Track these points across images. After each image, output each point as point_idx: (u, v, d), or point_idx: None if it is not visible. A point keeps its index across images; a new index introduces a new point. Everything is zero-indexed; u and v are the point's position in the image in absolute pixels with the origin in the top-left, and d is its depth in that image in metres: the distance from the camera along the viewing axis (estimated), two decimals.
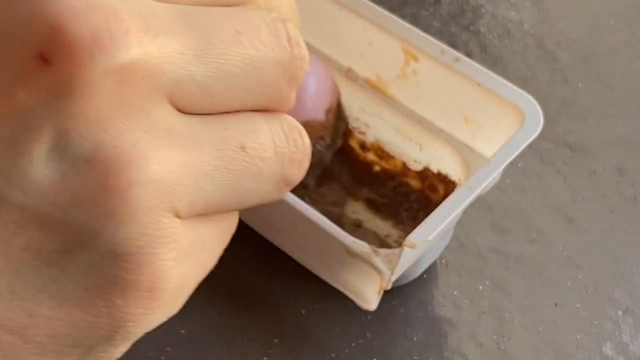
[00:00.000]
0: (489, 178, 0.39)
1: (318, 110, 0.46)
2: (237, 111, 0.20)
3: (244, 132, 0.19)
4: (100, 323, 0.19)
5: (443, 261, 0.47)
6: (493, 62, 0.57)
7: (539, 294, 0.46)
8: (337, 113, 0.47)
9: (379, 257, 0.37)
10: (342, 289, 0.42)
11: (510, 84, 0.43)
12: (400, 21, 0.46)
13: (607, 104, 0.55)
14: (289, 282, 0.46)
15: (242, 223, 0.48)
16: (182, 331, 0.44)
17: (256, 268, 0.47)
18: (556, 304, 0.46)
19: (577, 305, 0.46)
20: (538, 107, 0.41)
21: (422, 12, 0.59)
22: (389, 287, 0.38)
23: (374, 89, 0.48)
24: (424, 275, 0.47)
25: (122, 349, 0.20)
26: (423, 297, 0.46)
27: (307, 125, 0.45)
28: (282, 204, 0.40)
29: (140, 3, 0.18)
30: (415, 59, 0.45)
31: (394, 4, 0.60)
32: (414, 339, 0.45)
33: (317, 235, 0.39)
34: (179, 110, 0.19)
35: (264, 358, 0.44)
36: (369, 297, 0.40)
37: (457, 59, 0.44)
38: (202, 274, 0.20)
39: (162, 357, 0.43)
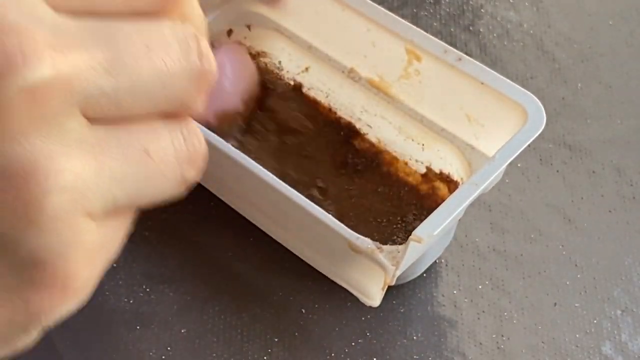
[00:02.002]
0: (494, 174, 0.39)
1: (236, 101, 0.48)
2: (143, 117, 0.21)
3: (146, 138, 0.21)
4: (17, 317, 0.20)
5: (443, 261, 0.47)
6: (492, 62, 0.57)
7: (538, 293, 0.47)
8: (255, 96, 0.50)
9: (383, 253, 0.38)
10: (345, 286, 0.42)
11: (512, 83, 0.43)
12: (404, 21, 0.46)
13: (606, 104, 0.55)
14: (289, 282, 0.46)
15: (245, 221, 0.48)
16: (182, 331, 0.44)
17: (256, 268, 0.47)
18: (555, 304, 0.46)
19: (576, 305, 0.46)
20: (540, 104, 0.41)
21: (422, 12, 0.59)
22: (393, 283, 0.38)
23: (377, 89, 0.48)
24: (424, 275, 0.47)
25: (35, 336, 0.21)
26: (423, 296, 0.46)
27: (224, 115, 0.48)
28: (287, 201, 0.40)
29: (54, 20, 0.19)
30: (419, 58, 0.45)
31: (393, 4, 0.60)
32: (414, 338, 0.45)
33: (321, 232, 0.39)
34: (88, 119, 0.20)
35: (264, 358, 0.44)
36: (373, 293, 0.41)
37: (459, 58, 0.44)
38: (108, 263, 0.22)
39: (162, 357, 0.43)
